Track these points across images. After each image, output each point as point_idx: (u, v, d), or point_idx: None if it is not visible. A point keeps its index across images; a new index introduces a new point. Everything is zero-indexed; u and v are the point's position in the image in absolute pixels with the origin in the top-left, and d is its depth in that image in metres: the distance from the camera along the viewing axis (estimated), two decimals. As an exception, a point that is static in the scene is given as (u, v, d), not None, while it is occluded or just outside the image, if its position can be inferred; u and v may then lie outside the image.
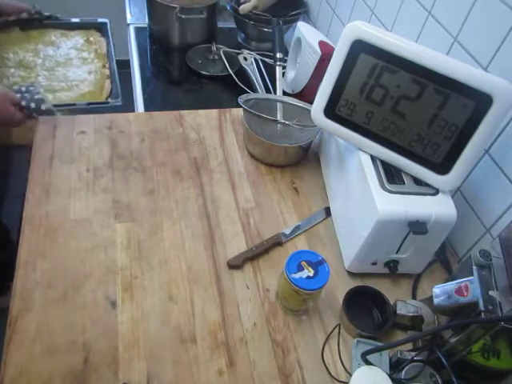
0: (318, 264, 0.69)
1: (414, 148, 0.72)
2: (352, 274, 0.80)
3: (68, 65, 1.26)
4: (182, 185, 0.90)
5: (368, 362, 0.62)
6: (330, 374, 0.67)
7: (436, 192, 0.73)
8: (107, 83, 1.22)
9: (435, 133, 0.70)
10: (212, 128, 1.04)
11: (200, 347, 0.67)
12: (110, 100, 1.17)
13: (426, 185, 0.73)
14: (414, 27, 0.92)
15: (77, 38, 1.36)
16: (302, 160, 1.00)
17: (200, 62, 1.29)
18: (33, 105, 0.99)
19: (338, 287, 0.78)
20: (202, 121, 1.05)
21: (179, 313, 0.71)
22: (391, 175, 0.74)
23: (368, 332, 0.71)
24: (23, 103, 0.98)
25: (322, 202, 0.92)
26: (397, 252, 0.76)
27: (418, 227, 0.69)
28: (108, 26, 1.40)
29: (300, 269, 0.68)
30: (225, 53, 1.29)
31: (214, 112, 1.08)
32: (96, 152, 0.92)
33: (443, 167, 0.71)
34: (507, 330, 0.55)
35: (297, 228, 0.86)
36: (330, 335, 0.72)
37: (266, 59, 1.28)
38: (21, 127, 1.01)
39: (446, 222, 0.71)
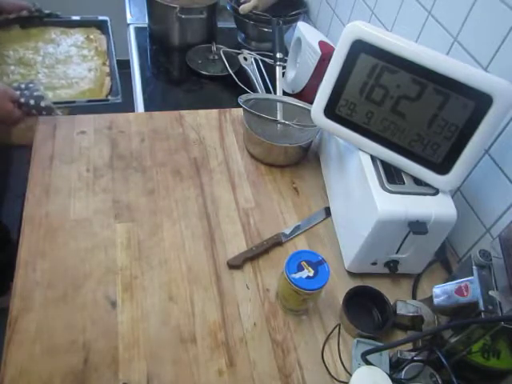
0: (318, 264, 0.69)
1: (414, 148, 0.72)
2: (352, 274, 0.80)
3: (68, 62, 1.26)
4: (182, 185, 0.90)
5: (368, 362, 0.62)
6: (330, 373, 0.67)
7: (436, 192, 0.73)
8: (107, 80, 1.22)
9: (435, 133, 0.70)
10: (212, 128, 1.04)
11: (200, 347, 0.67)
12: (109, 97, 1.17)
13: (426, 185, 0.73)
14: (414, 27, 0.92)
15: (77, 36, 1.36)
16: (302, 160, 1.00)
17: (200, 62, 1.29)
18: (32, 102, 0.99)
19: (338, 287, 0.78)
20: (202, 121, 1.05)
21: (179, 313, 0.71)
22: (391, 175, 0.74)
23: (368, 332, 0.71)
24: (22, 100, 0.98)
25: (321, 202, 0.92)
26: (397, 252, 0.76)
27: (418, 227, 0.69)
28: (108, 23, 1.39)
29: (300, 269, 0.68)
30: (225, 53, 1.29)
31: (214, 112, 1.08)
32: (96, 152, 0.92)
33: (443, 167, 0.71)
34: (507, 330, 0.55)
35: (297, 228, 0.86)
36: (329, 335, 0.72)
37: (266, 59, 1.28)
38: (21, 127, 1.01)
39: (445, 222, 0.71)
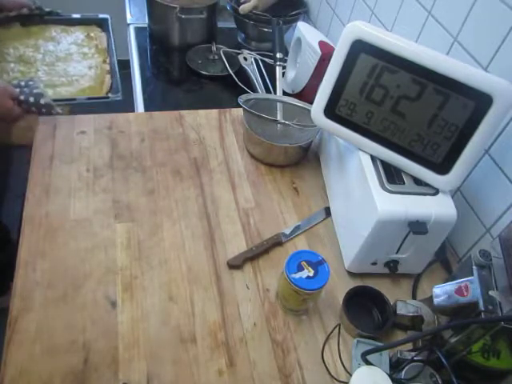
0: (318, 264, 0.69)
1: (413, 148, 0.72)
2: (352, 274, 0.80)
3: (68, 60, 1.26)
4: (182, 185, 0.90)
5: (368, 362, 0.62)
6: (330, 373, 0.67)
7: (436, 192, 0.73)
8: (107, 78, 1.21)
9: (435, 133, 0.70)
10: (212, 128, 1.04)
11: (200, 347, 0.67)
12: (110, 95, 1.16)
13: (426, 185, 0.73)
14: (414, 27, 0.92)
15: (77, 34, 1.35)
16: (302, 160, 1.00)
17: (200, 62, 1.29)
18: (31, 99, 0.99)
19: (338, 287, 0.78)
20: (202, 121, 1.05)
21: (179, 313, 0.71)
22: (391, 175, 0.74)
23: (368, 332, 0.71)
24: (22, 97, 0.98)
25: (321, 202, 0.92)
26: (397, 252, 0.76)
27: (418, 227, 0.69)
28: (109, 21, 1.39)
29: (300, 269, 0.68)
30: (225, 53, 1.29)
31: (214, 112, 1.08)
32: (96, 152, 0.92)
33: (443, 167, 0.71)
34: (507, 330, 0.55)
35: (297, 228, 0.86)
36: (330, 335, 0.72)
37: (266, 59, 1.28)
38: (21, 126, 1.01)
39: (445, 222, 0.71)
